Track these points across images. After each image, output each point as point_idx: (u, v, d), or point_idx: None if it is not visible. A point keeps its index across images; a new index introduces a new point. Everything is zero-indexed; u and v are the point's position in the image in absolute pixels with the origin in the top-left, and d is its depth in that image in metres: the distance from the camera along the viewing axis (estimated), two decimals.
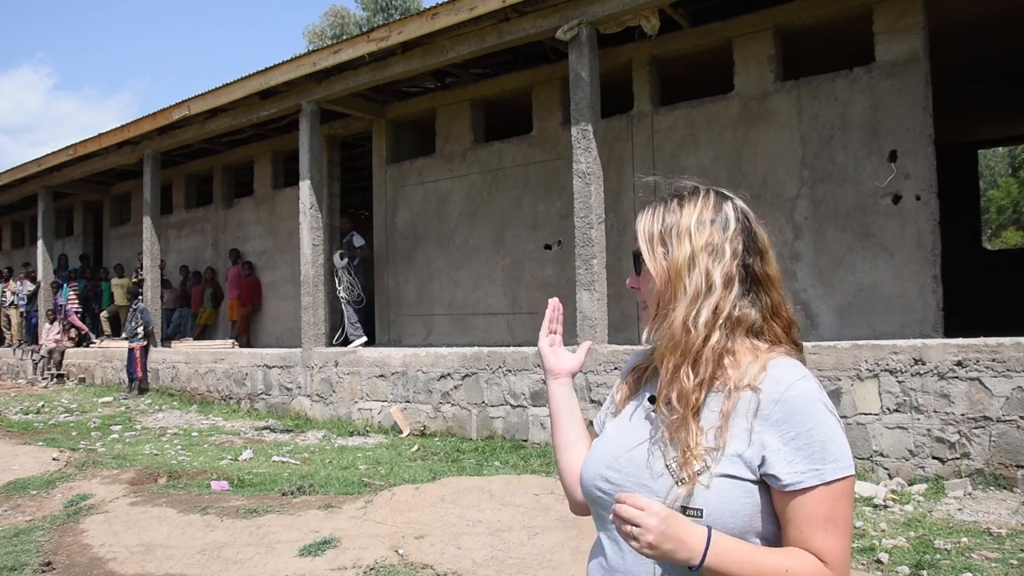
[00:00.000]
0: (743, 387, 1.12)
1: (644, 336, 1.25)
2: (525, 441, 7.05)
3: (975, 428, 4.90)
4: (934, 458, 5.03)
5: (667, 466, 1.13)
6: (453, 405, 7.68)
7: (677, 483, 1.10)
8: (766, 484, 1.11)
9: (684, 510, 1.08)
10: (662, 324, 1.19)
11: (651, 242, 1.21)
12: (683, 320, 1.15)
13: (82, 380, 13.03)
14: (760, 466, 1.09)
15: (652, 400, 1.22)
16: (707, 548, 1.03)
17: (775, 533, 1.13)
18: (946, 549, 3.73)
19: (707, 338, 1.14)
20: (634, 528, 1.03)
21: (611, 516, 1.07)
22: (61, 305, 14.61)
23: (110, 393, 11.45)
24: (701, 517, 1.08)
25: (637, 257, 1.24)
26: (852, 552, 4.02)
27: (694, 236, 1.17)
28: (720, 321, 1.15)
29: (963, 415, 4.94)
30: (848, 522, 1.09)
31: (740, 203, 1.22)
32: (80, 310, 15.01)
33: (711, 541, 1.04)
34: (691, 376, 1.13)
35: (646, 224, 1.22)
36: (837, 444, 1.09)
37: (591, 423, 1.42)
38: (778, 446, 1.09)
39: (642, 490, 1.13)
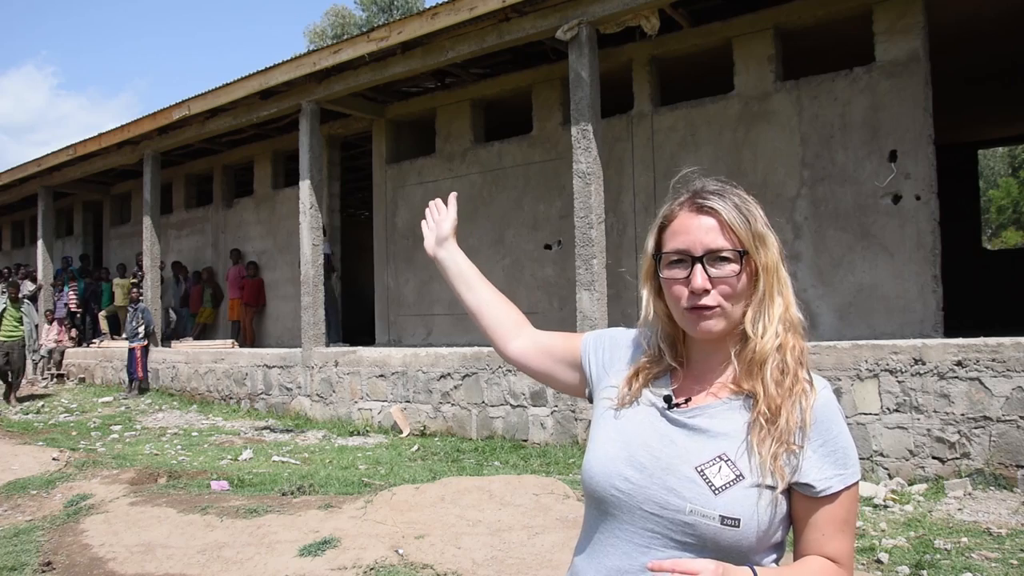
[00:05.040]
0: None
1: (714, 329, 1.16)
2: (525, 441, 7.05)
3: (975, 428, 4.90)
4: (934, 458, 5.04)
5: (699, 471, 1.11)
6: (453, 405, 7.68)
7: (713, 492, 1.09)
8: (788, 491, 1.13)
9: (722, 519, 1.08)
10: (764, 322, 1.16)
11: (750, 239, 1.15)
12: (796, 315, 1.17)
13: (82, 380, 13.03)
14: (794, 473, 1.12)
15: (668, 400, 1.20)
16: None
17: (781, 540, 1.15)
18: (946, 549, 3.73)
19: (798, 340, 1.17)
20: None
21: None
22: (65, 304, 14.65)
23: (110, 393, 11.44)
24: (738, 527, 1.08)
25: (718, 257, 1.15)
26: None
27: (773, 235, 1.18)
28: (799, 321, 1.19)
29: (963, 415, 4.95)
30: (856, 521, 1.16)
31: None
32: (80, 310, 15.02)
33: None
34: (801, 369, 1.15)
35: (739, 221, 1.15)
36: (853, 449, 1.15)
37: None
38: (808, 454, 1.12)
39: (668, 493, 1.11)
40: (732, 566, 1.06)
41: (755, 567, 1.08)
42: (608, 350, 1.36)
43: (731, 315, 1.16)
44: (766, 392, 1.13)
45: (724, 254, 1.14)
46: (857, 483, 1.14)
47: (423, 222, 1.61)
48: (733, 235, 1.14)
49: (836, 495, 1.11)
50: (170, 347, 12.03)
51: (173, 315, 13.51)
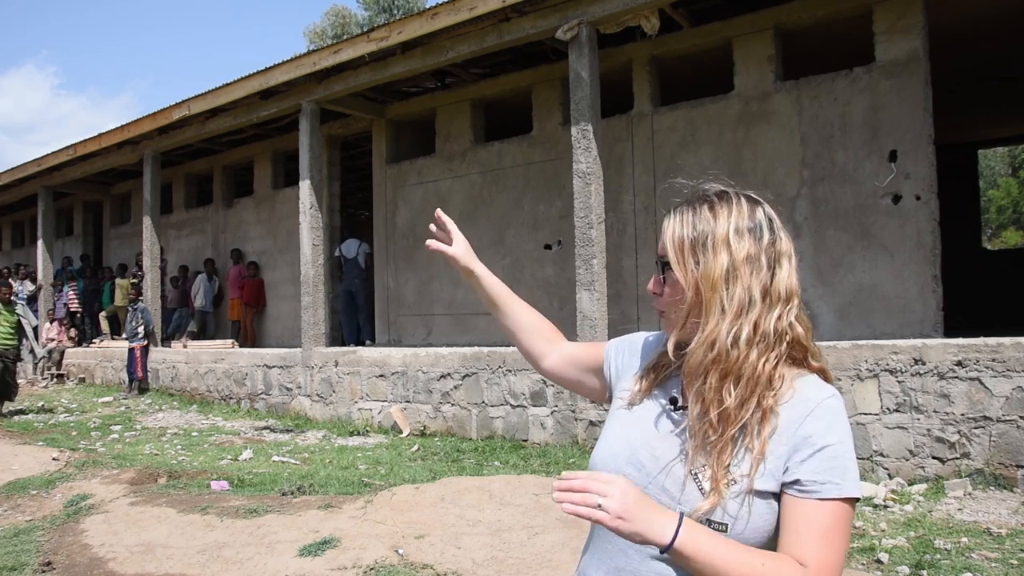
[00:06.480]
0: (776, 406, 1.11)
1: (670, 346, 1.19)
2: (525, 441, 7.05)
3: (975, 428, 4.90)
4: (934, 458, 5.03)
5: (692, 474, 1.11)
6: (453, 405, 7.68)
7: (703, 495, 1.09)
8: (780, 496, 1.11)
9: (709, 523, 1.08)
10: (698, 337, 1.13)
11: (682, 251, 1.15)
12: (727, 337, 1.10)
13: (82, 380, 13.03)
14: (784, 474, 1.09)
15: (674, 402, 1.21)
16: (676, 535, 1.03)
17: None
18: (946, 549, 3.73)
19: (748, 356, 1.10)
20: (598, 497, 1.03)
21: (564, 493, 1.04)
22: (64, 304, 14.66)
23: (110, 393, 11.45)
24: (725, 532, 1.08)
25: (664, 264, 1.18)
26: (852, 552, 3.98)
27: (733, 247, 1.13)
28: (758, 338, 1.11)
29: (963, 415, 4.95)
30: (844, 544, 1.07)
31: (768, 208, 1.20)
32: (80, 310, 15.02)
33: (676, 545, 1.03)
34: (733, 395, 1.10)
35: (675, 231, 1.16)
36: (854, 465, 1.10)
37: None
38: (804, 456, 1.09)
39: (662, 494, 1.12)
40: (642, 496, 1.05)
41: (684, 514, 1.06)
42: (627, 353, 1.38)
43: (672, 324, 1.19)
44: (694, 404, 1.14)
45: (663, 262, 1.19)
46: (852, 500, 1.08)
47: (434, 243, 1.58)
48: (664, 245, 1.18)
49: (824, 502, 1.06)
50: (170, 347, 12.03)
51: (187, 319, 13.45)
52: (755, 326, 1.11)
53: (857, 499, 1.09)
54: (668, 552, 1.03)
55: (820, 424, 1.09)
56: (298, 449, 7.28)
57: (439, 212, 1.57)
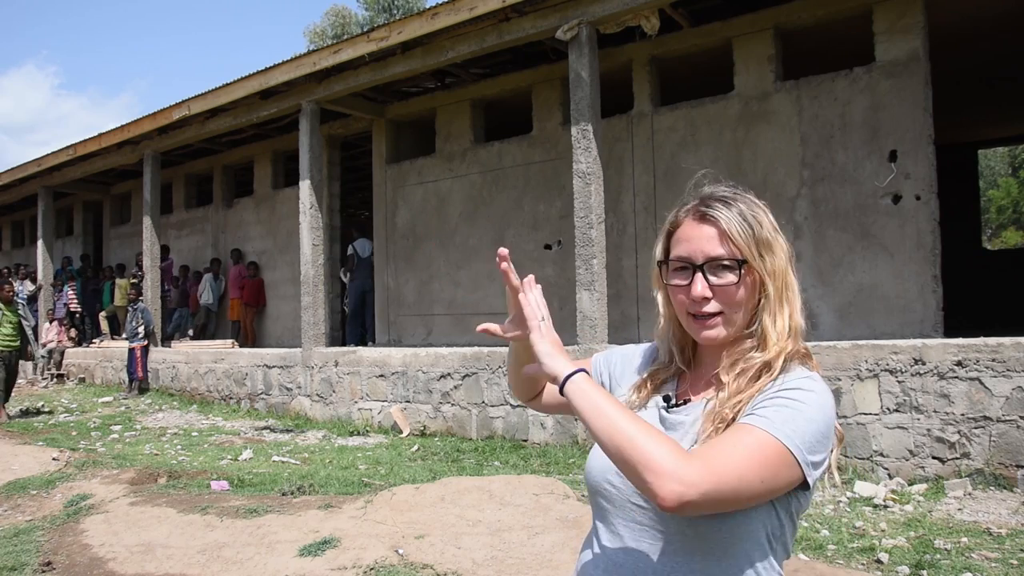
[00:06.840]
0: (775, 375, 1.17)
1: (717, 336, 1.20)
2: (525, 441, 7.05)
3: (975, 428, 4.90)
4: (934, 458, 5.04)
5: None
6: (453, 405, 7.68)
7: None
8: None
9: None
10: (776, 327, 1.17)
11: (750, 249, 1.17)
12: (799, 320, 1.19)
13: (82, 380, 13.03)
14: None
15: (667, 400, 1.24)
16: (566, 379, 1.11)
17: (775, 533, 1.14)
18: (946, 549, 3.73)
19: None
20: (540, 316, 1.18)
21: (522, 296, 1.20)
22: (64, 304, 14.65)
23: (110, 393, 11.44)
24: (714, 519, 1.09)
25: (738, 263, 1.16)
26: (852, 552, 3.97)
27: (782, 241, 1.21)
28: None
29: (963, 415, 4.95)
30: (754, 472, 1.02)
31: None
32: (80, 310, 15.02)
33: (573, 379, 1.11)
34: (778, 365, 1.16)
35: (740, 230, 1.16)
36: (803, 427, 1.07)
37: None
38: (759, 401, 1.12)
39: None
40: (561, 346, 1.17)
41: (583, 370, 1.12)
42: (620, 364, 1.40)
43: (734, 322, 1.19)
44: (728, 388, 1.16)
45: (724, 263, 1.17)
46: (781, 446, 1.04)
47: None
48: (732, 244, 1.16)
49: (751, 427, 1.06)
50: (170, 347, 12.03)
51: (188, 319, 13.42)
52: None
53: (787, 448, 1.04)
54: (563, 391, 1.12)
55: (785, 387, 1.12)
56: (298, 449, 7.28)
57: (523, 283, 1.23)
